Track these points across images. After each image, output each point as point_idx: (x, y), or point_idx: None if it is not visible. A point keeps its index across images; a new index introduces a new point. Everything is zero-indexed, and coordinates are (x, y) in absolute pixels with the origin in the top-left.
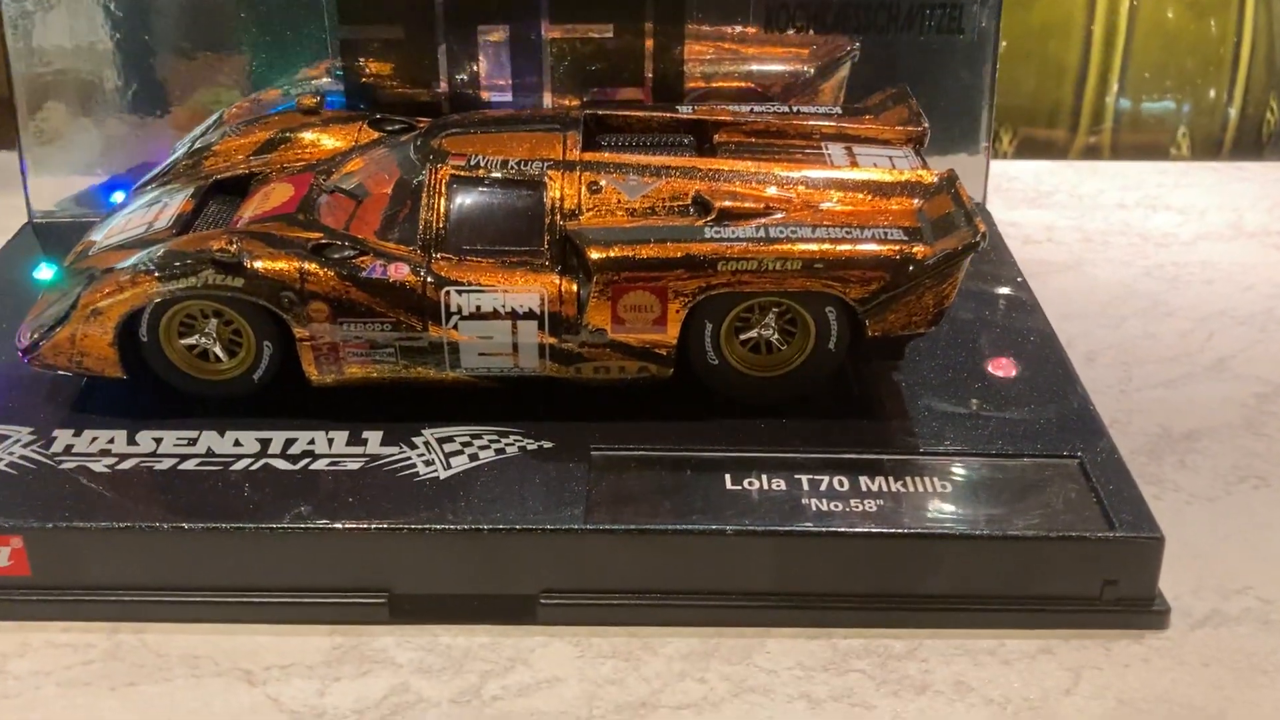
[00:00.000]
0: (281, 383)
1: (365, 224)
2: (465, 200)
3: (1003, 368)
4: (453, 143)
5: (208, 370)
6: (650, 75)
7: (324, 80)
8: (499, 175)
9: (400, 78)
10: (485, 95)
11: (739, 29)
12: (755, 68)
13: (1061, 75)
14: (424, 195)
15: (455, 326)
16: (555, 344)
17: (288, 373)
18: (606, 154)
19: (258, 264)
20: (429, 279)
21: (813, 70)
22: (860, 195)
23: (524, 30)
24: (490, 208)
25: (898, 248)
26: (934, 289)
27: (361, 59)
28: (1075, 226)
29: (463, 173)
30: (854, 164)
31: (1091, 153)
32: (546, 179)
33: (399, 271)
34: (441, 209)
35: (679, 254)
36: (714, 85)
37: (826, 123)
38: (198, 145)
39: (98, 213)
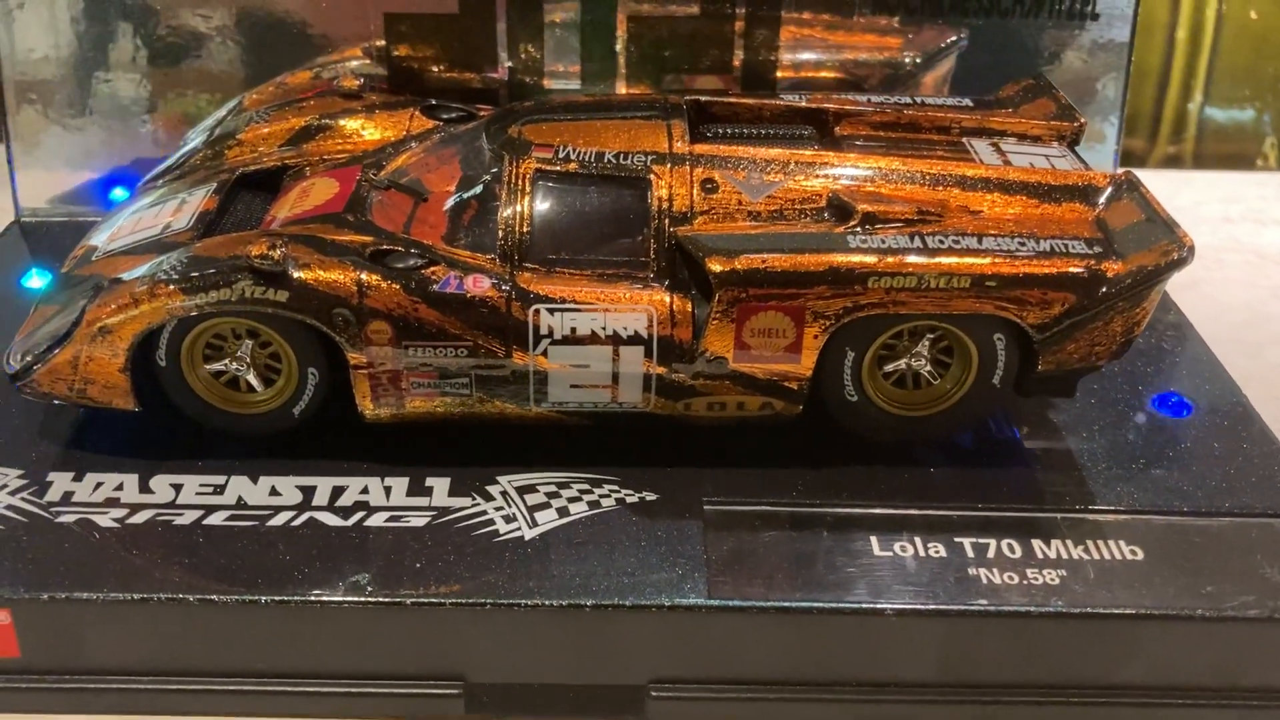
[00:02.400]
0: (326, 417)
1: (428, 227)
2: (554, 200)
3: (1171, 405)
4: (535, 131)
5: (239, 402)
6: (739, 62)
7: (356, 63)
8: (594, 170)
9: (452, 60)
10: (547, 83)
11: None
12: (850, 57)
13: (1141, 79)
14: (503, 193)
15: (544, 353)
16: (664, 374)
17: (334, 405)
18: (721, 146)
19: (306, 274)
20: (514, 295)
21: (917, 60)
22: (1026, 199)
23: (596, 9)
24: (584, 209)
25: (1084, 264)
26: (1125, 314)
27: (408, 38)
28: None
29: (550, 167)
30: (1007, 163)
31: (1172, 162)
32: (651, 175)
33: (478, 285)
34: (525, 210)
35: (821, 267)
36: (804, 75)
37: (965, 116)
38: (218, 133)
39: (95, 211)
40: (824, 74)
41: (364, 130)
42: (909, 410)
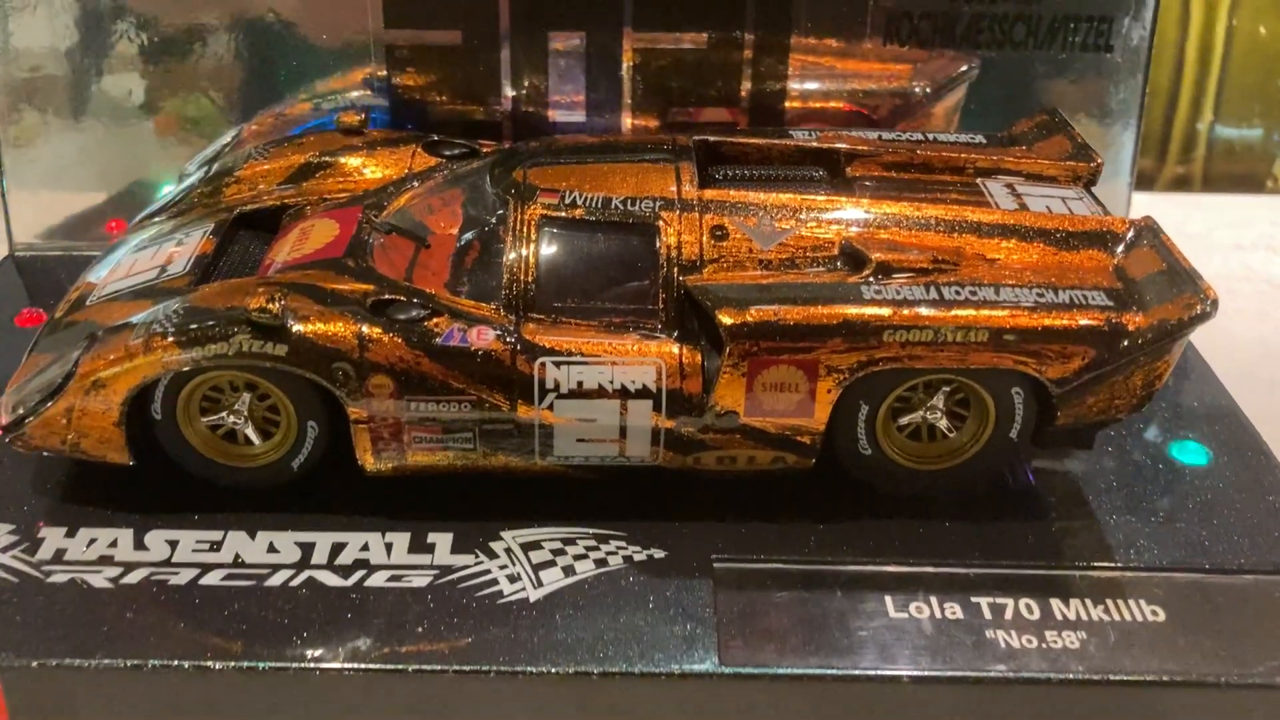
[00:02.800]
0: (325, 469)
1: (430, 273)
2: (560, 247)
3: (1191, 453)
4: (540, 175)
5: (236, 455)
6: (746, 93)
7: (356, 93)
8: (601, 217)
9: (455, 91)
10: (551, 114)
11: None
12: (859, 86)
13: (1150, 98)
14: (507, 240)
15: (550, 406)
16: (673, 429)
17: (333, 456)
18: (731, 191)
19: (305, 327)
20: (519, 347)
21: (927, 90)
22: (1043, 246)
23: (601, 38)
24: (591, 257)
25: (1104, 316)
26: (1146, 367)
27: (410, 69)
28: None
29: (556, 213)
30: (1023, 206)
31: (1180, 184)
32: (660, 222)
33: (482, 338)
34: (531, 258)
35: (834, 320)
36: (812, 106)
37: (979, 155)
38: (215, 170)
39: (91, 244)
40: (833, 104)
41: (365, 168)
42: (924, 464)
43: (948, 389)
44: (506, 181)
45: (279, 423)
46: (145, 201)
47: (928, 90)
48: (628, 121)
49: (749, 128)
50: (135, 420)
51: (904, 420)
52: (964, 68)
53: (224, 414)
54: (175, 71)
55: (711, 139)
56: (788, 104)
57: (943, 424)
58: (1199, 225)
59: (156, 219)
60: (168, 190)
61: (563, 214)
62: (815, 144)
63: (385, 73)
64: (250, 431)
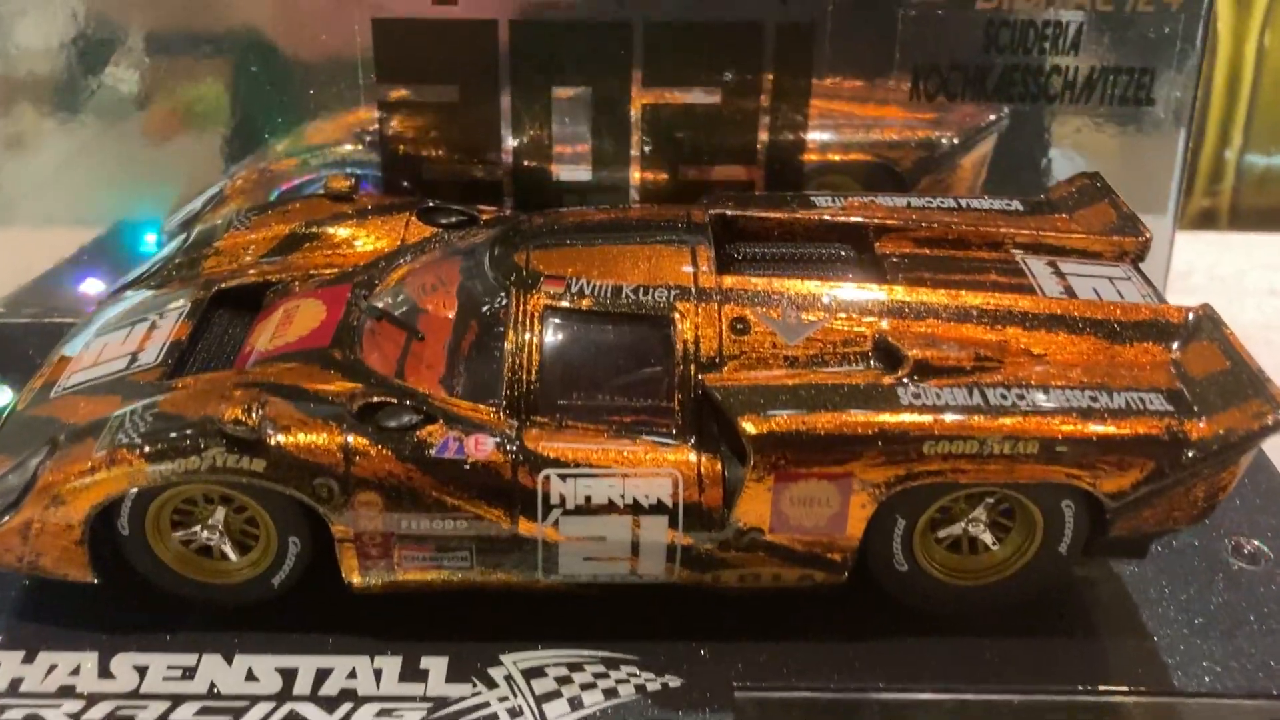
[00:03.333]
0: (309, 583)
1: (424, 367)
2: (566, 342)
3: (1248, 553)
4: (544, 259)
5: (211, 571)
6: (761, 145)
7: (347, 147)
8: (611, 308)
9: (452, 147)
10: (554, 169)
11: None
12: (881, 137)
13: None
14: (508, 333)
15: (555, 524)
16: (690, 545)
17: (315, 570)
18: (753, 279)
19: (285, 439)
20: (521, 458)
21: (954, 141)
22: (1094, 340)
23: (608, 91)
24: (600, 353)
25: (1164, 424)
26: (1209, 479)
27: (405, 123)
28: (1226, 319)
29: (561, 303)
30: (1067, 289)
31: (1207, 217)
32: (675, 314)
33: (480, 448)
34: (534, 354)
35: (870, 430)
36: (830, 159)
37: (1017, 227)
38: (194, 237)
39: (64, 314)
40: (854, 156)
41: (355, 240)
42: (964, 579)
43: (991, 500)
44: (507, 265)
45: (258, 536)
46: (125, 254)
47: (955, 141)
48: (635, 176)
49: (768, 193)
50: (101, 532)
51: (943, 533)
52: (993, 117)
53: (198, 528)
54: (159, 118)
55: (729, 213)
56: (806, 156)
57: (986, 537)
58: (1230, 267)
59: (130, 292)
60: (149, 238)
61: (568, 304)
62: (841, 217)
63: (377, 127)
64: (227, 547)
